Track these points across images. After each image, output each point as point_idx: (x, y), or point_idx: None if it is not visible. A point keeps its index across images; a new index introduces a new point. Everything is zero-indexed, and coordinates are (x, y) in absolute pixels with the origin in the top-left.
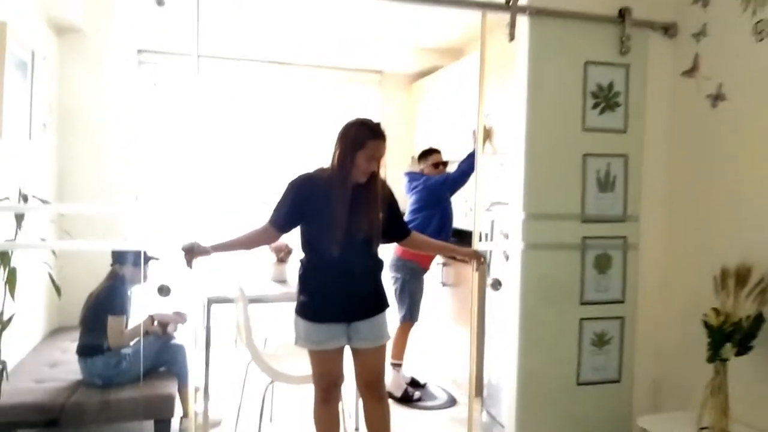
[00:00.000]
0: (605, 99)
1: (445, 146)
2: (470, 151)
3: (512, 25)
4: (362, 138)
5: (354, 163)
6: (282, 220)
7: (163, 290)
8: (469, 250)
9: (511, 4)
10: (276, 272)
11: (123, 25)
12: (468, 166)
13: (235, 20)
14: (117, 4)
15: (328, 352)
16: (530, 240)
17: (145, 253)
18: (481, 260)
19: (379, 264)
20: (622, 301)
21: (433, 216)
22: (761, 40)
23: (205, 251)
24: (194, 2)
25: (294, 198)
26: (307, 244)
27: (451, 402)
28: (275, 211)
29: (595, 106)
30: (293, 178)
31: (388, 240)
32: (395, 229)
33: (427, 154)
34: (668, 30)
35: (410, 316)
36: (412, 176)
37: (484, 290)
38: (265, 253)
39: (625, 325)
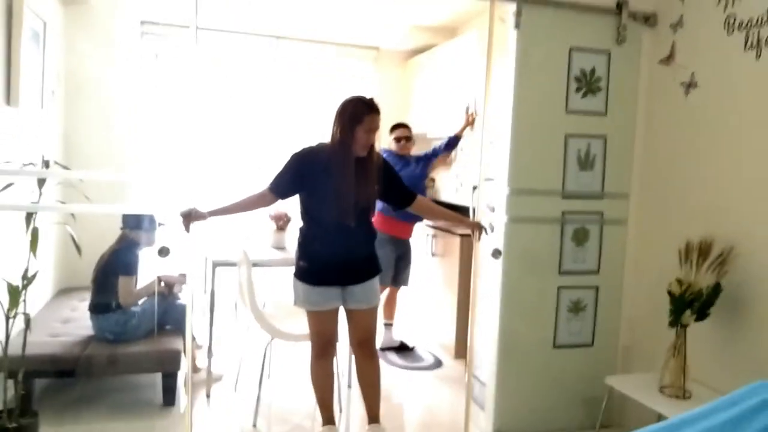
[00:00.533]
0: (587, 83)
1: (439, 122)
2: (451, 135)
3: (518, 13)
4: (360, 113)
5: (354, 138)
6: (283, 188)
7: (163, 251)
8: (472, 221)
9: None
10: (275, 239)
11: None
12: (441, 152)
13: None
14: None
15: (324, 313)
16: (514, 214)
17: (153, 217)
18: (482, 231)
19: (373, 232)
20: (597, 272)
21: None
22: (731, 33)
23: (201, 216)
24: None
25: (297, 168)
26: (306, 214)
27: (437, 363)
28: (276, 178)
29: (578, 89)
30: (297, 150)
31: (396, 206)
32: (400, 195)
33: (394, 128)
34: (648, 19)
35: (395, 282)
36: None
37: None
38: (265, 221)
39: (600, 293)
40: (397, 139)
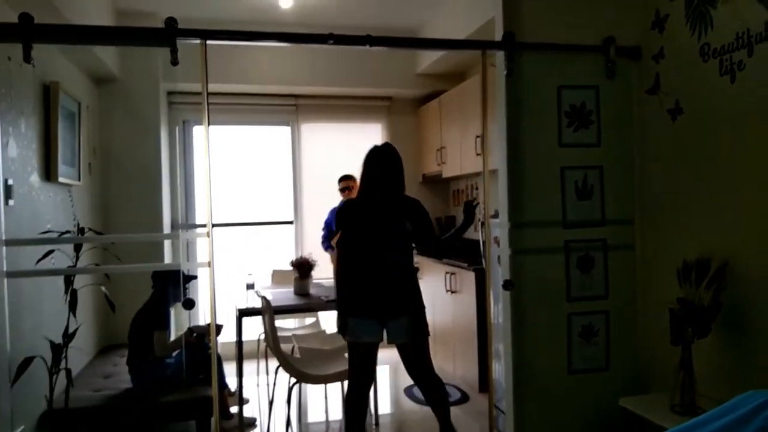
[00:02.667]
0: (578, 118)
1: (451, 163)
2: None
3: (509, 60)
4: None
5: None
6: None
7: (188, 304)
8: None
9: (507, 43)
10: (298, 286)
11: (152, 72)
12: None
13: (245, 57)
14: (146, 54)
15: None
16: (518, 246)
17: (184, 273)
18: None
19: (405, 270)
20: (605, 297)
21: None
22: (707, 60)
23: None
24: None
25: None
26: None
27: (464, 398)
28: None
29: (570, 124)
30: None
31: (419, 250)
32: (418, 240)
33: (339, 180)
34: (633, 53)
35: None
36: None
37: (488, 292)
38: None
39: (610, 318)
40: (341, 190)
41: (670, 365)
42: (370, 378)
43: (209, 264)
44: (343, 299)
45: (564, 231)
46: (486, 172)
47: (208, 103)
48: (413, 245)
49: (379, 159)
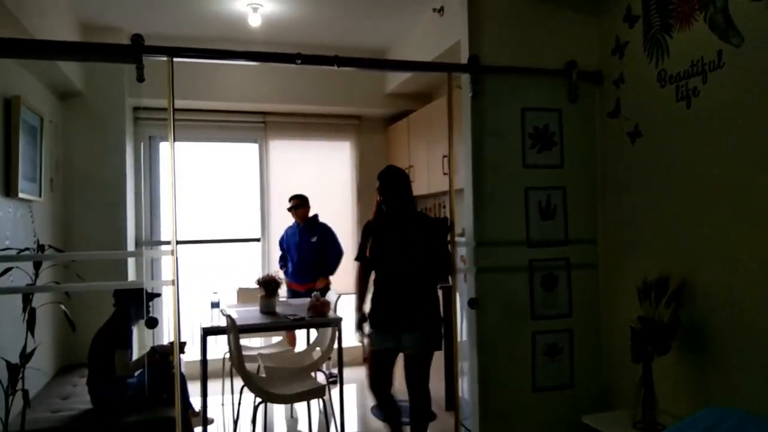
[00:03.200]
0: (542, 139)
1: (419, 182)
2: None
3: (474, 82)
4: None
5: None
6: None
7: (151, 323)
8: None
9: (472, 66)
10: (263, 304)
11: (118, 88)
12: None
13: (215, 75)
14: (112, 69)
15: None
16: (483, 264)
17: (147, 291)
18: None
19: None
20: (569, 315)
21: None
22: (664, 86)
23: (365, 318)
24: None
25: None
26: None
27: (431, 416)
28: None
29: (533, 146)
30: None
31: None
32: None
33: (290, 199)
34: (594, 78)
35: None
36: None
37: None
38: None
39: (574, 336)
40: (288, 210)
41: (633, 382)
42: (389, 380)
43: (173, 282)
44: (370, 312)
45: (528, 250)
46: (452, 192)
47: (174, 120)
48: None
49: (391, 178)
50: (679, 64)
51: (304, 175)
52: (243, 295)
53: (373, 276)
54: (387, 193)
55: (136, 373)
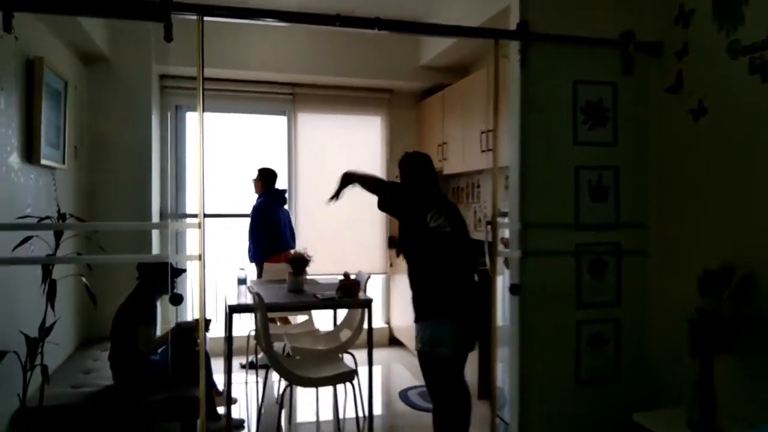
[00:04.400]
0: (594, 115)
1: (453, 160)
2: None
3: (523, 51)
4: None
5: None
6: None
7: (176, 299)
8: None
9: (522, 33)
10: (291, 282)
11: (145, 53)
12: None
13: (243, 41)
14: (138, 33)
15: None
16: (528, 248)
17: (172, 265)
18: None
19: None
20: (617, 304)
21: None
22: (735, 58)
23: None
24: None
25: None
26: None
27: None
28: None
29: (585, 121)
30: None
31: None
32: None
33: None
34: (654, 49)
35: None
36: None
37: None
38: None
39: (621, 326)
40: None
41: (685, 379)
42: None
43: (200, 257)
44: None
45: (576, 233)
46: (496, 169)
47: (203, 86)
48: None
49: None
50: (756, 34)
51: (332, 149)
52: (270, 271)
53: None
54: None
55: (160, 350)
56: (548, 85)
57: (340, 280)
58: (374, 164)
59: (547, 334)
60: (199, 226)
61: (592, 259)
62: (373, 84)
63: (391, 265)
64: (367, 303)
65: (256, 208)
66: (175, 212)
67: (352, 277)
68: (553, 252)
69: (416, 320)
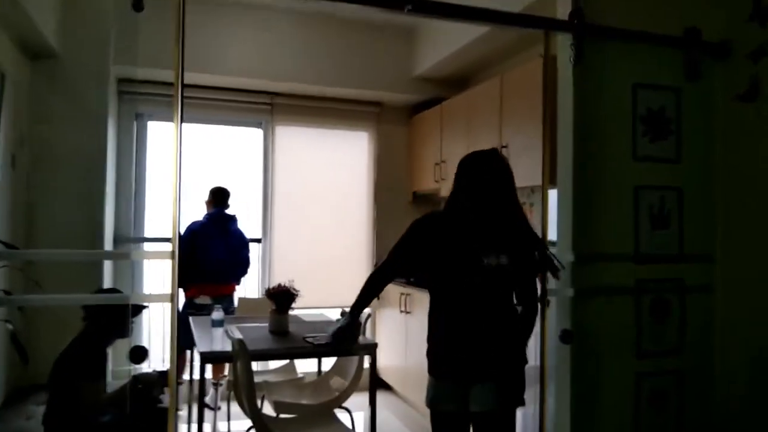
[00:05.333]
0: (656, 126)
1: (449, 182)
2: None
3: (578, 45)
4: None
5: None
6: None
7: (137, 354)
8: None
9: (575, 24)
10: (274, 322)
11: (101, 51)
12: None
13: (221, 46)
14: (95, 25)
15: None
16: (581, 284)
17: (131, 304)
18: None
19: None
20: (679, 352)
21: None
22: None
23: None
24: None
25: None
26: None
27: None
28: None
29: (645, 133)
30: None
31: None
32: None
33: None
34: (720, 50)
35: None
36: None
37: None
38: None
39: (684, 379)
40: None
41: None
42: None
43: (172, 298)
44: (430, 352)
45: (636, 267)
46: (545, 191)
47: (182, 86)
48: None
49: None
50: None
51: (313, 167)
52: (245, 306)
53: (428, 302)
54: (483, 190)
55: (112, 411)
56: (604, 89)
57: (337, 321)
58: (360, 184)
59: (602, 390)
60: (173, 256)
61: (654, 298)
62: (360, 95)
63: (377, 298)
64: (371, 348)
65: (186, 228)
66: (132, 236)
67: None
68: (610, 289)
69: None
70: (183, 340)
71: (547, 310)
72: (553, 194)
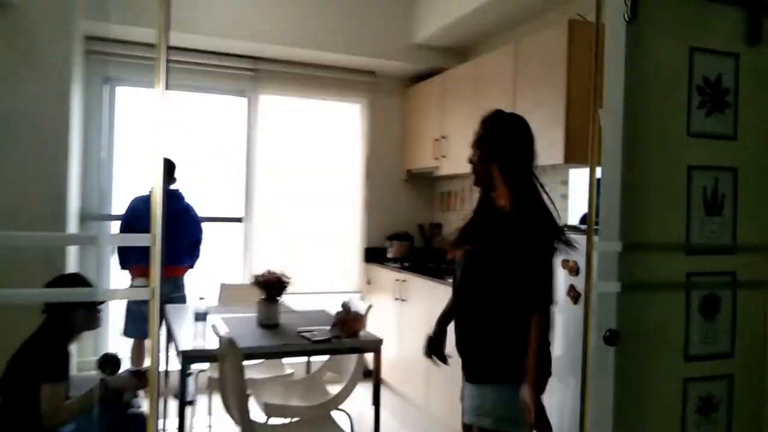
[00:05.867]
0: (712, 97)
1: (450, 160)
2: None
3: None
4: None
5: None
6: None
7: (107, 365)
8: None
9: None
10: (264, 313)
11: (65, 3)
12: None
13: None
14: None
15: None
16: (629, 278)
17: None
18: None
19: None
20: (730, 355)
21: None
22: None
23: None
24: None
25: None
26: None
27: None
28: None
29: (701, 105)
30: None
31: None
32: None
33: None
34: None
35: None
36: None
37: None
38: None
39: (735, 385)
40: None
41: None
42: None
43: (153, 292)
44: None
45: (686, 259)
46: (593, 172)
47: (167, 39)
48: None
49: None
50: None
51: (301, 141)
52: (228, 294)
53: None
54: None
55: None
56: (658, 53)
57: (337, 314)
58: (351, 161)
59: (646, 398)
60: (154, 241)
61: (705, 294)
62: (351, 63)
63: (368, 283)
64: (376, 346)
65: (128, 205)
66: (100, 214)
67: (352, 309)
68: (659, 285)
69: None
70: (129, 329)
71: (583, 306)
72: (577, 174)
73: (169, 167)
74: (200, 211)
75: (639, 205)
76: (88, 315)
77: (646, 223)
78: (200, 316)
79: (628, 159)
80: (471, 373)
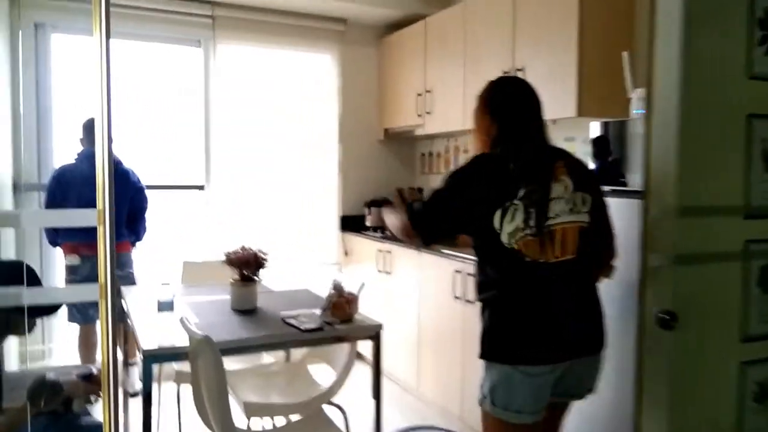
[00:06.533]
0: None
1: (441, 113)
2: None
3: None
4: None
5: None
6: None
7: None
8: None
9: None
10: (239, 297)
11: None
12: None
13: None
14: None
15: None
16: (684, 248)
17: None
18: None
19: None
20: None
21: None
22: None
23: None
24: None
25: None
26: None
27: None
28: None
29: (762, 41)
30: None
31: None
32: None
33: None
34: None
35: None
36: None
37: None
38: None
39: None
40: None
41: None
42: None
43: (105, 289)
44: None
45: (743, 223)
46: (650, 125)
47: None
48: None
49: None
50: None
51: (265, 96)
52: (191, 272)
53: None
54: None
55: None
56: None
57: (329, 296)
58: (323, 117)
59: (697, 384)
60: (102, 221)
61: (766, 264)
62: (320, 8)
63: (346, 254)
64: (376, 332)
65: (52, 175)
66: (38, 183)
67: (347, 290)
68: (714, 255)
69: None
70: (74, 314)
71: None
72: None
73: (88, 127)
74: (146, 178)
75: (698, 160)
76: (15, 318)
77: (696, 183)
78: (165, 306)
79: (689, 106)
80: (595, 343)
